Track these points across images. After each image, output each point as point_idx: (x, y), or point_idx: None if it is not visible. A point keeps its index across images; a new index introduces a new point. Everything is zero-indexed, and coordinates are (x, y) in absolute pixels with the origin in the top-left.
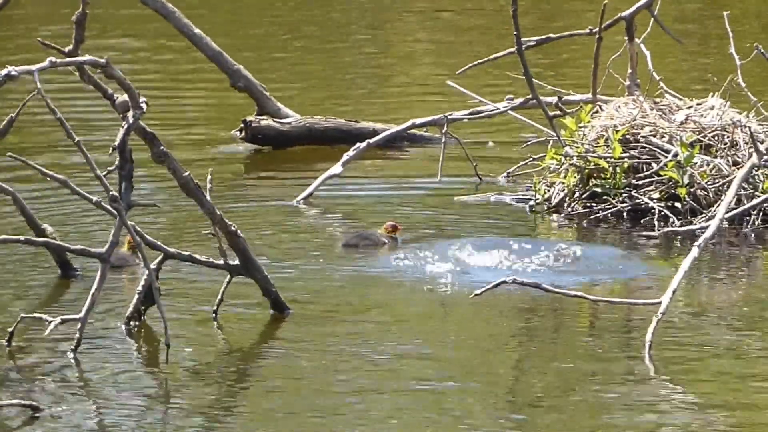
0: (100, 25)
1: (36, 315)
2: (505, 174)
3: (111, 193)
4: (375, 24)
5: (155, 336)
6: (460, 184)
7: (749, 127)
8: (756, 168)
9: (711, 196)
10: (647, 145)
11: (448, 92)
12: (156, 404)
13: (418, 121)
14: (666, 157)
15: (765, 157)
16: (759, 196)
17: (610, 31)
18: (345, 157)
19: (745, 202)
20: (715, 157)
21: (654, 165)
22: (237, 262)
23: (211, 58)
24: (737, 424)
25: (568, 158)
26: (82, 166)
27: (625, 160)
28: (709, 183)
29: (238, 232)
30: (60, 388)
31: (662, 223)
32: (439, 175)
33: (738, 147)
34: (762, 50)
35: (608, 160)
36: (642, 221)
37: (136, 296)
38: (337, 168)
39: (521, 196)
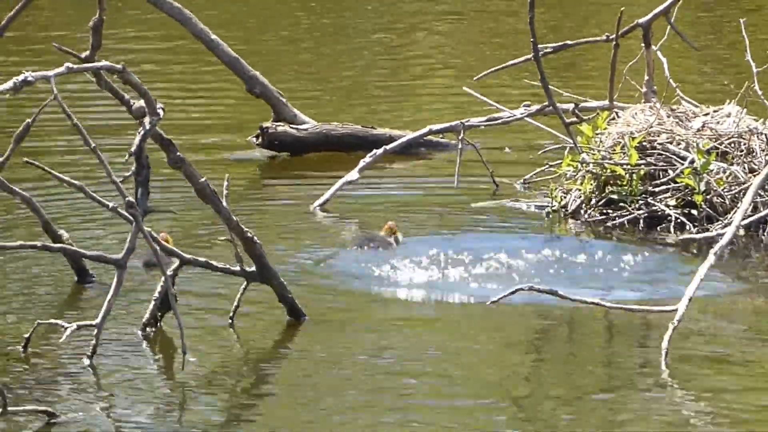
0: (115, 30)
1: (52, 321)
2: (521, 180)
3: (127, 198)
4: (392, 29)
5: (171, 342)
6: (476, 191)
7: (766, 134)
8: None
9: (727, 203)
10: (664, 152)
11: (465, 98)
12: (172, 411)
13: (435, 127)
14: (682, 164)
15: None
16: None
17: (625, 37)
18: (361, 163)
19: (762, 209)
20: (732, 164)
21: (670, 172)
22: (253, 268)
23: (228, 64)
24: None
25: (584, 165)
26: (99, 171)
27: (642, 167)
28: (725, 190)
29: (255, 238)
30: (76, 394)
31: (678, 231)
32: (456, 181)
33: (754, 154)
34: None
35: (625, 167)
36: (658, 228)
37: (153, 302)
38: (353, 174)
39: (538, 203)
